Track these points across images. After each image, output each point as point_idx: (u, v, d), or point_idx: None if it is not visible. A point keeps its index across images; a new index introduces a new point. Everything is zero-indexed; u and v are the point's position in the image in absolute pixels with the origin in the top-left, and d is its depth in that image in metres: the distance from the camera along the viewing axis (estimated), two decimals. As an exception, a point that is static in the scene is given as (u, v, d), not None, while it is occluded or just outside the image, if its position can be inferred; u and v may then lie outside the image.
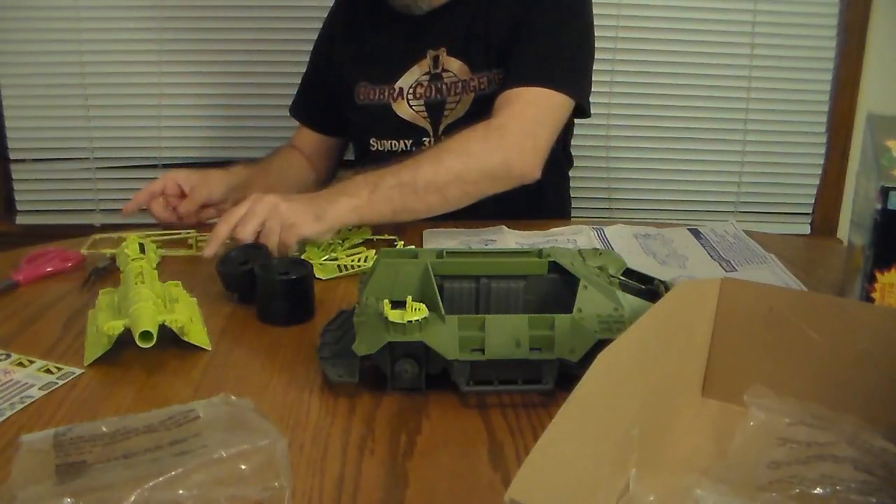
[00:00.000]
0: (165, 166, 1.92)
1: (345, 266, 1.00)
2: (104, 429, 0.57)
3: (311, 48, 1.45)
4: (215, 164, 1.90)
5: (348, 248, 1.07)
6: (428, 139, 1.30)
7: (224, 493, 0.53)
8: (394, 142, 1.32)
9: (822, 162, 1.95)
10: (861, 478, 0.54)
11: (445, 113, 1.29)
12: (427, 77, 1.29)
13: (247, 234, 0.95)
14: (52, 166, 1.93)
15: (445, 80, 1.28)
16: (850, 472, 0.54)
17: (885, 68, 1.89)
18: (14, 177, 1.93)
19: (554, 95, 1.18)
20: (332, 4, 1.44)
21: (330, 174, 1.48)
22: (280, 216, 0.97)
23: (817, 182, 1.97)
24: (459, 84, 1.27)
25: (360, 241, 1.10)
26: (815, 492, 0.52)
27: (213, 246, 0.96)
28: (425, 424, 0.67)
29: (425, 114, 1.30)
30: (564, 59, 1.21)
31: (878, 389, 0.61)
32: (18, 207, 1.96)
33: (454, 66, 1.27)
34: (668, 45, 1.88)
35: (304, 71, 1.47)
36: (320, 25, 1.45)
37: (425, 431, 0.66)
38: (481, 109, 1.23)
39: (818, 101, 1.92)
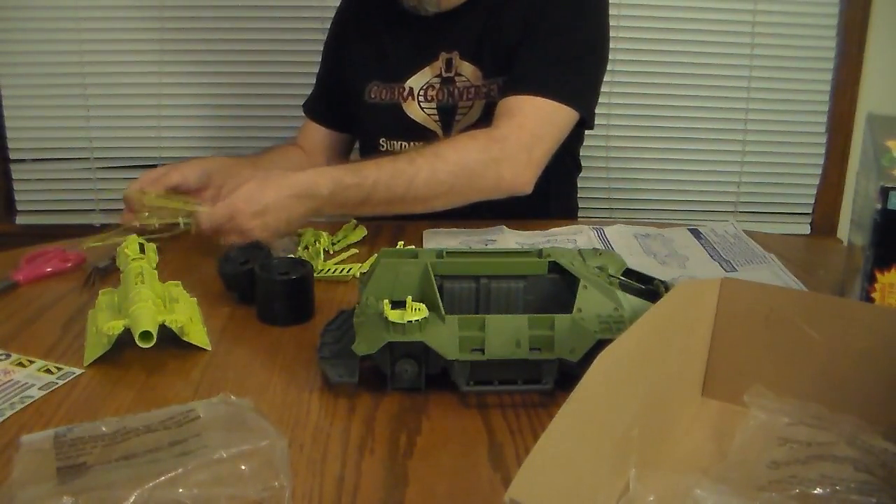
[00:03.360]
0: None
1: (330, 269, 0.99)
2: (104, 429, 0.57)
3: (312, 47, 1.45)
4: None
5: (342, 246, 1.08)
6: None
7: (224, 493, 0.53)
8: (404, 143, 1.29)
9: (822, 162, 1.96)
10: (861, 478, 0.54)
11: (457, 118, 1.27)
12: (438, 80, 1.27)
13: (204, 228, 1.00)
14: (52, 166, 1.93)
15: (458, 84, 1.26)
16: (850, 472, 0.54)
17: (885, 68, 1.89)
18: (14, 177, 1.93)
19: (558, 108, 1.16)
20: (337, 3, 1.43)
21: None
22: (260, 230, 0.99)
23: (817, 182, 1.97)
24: (472, 89, 1.25)
25: (357, 240, 1.11)
26: (815, 492, 0.52)
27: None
28: (425, 424, 0.67)
29: (437, 117, 1.28)
30: (572, 70, 1.18)
31: (878, 389, 0.61)
32: (18, 207, 1.96)
33: (467, 70, 1.26)
34: (668, 45, 1.88)
35: (318, 69, 1.46)
36: (321, 25, 1.44)
37: (425, 431, 0.66)
38: (491, 116, 1.23)
39: (818, 101, 1.92)
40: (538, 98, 1.14)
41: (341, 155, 1.46)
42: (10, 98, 1.88)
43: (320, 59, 1.45)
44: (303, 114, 1.46)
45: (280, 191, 1.01)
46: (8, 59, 1.86)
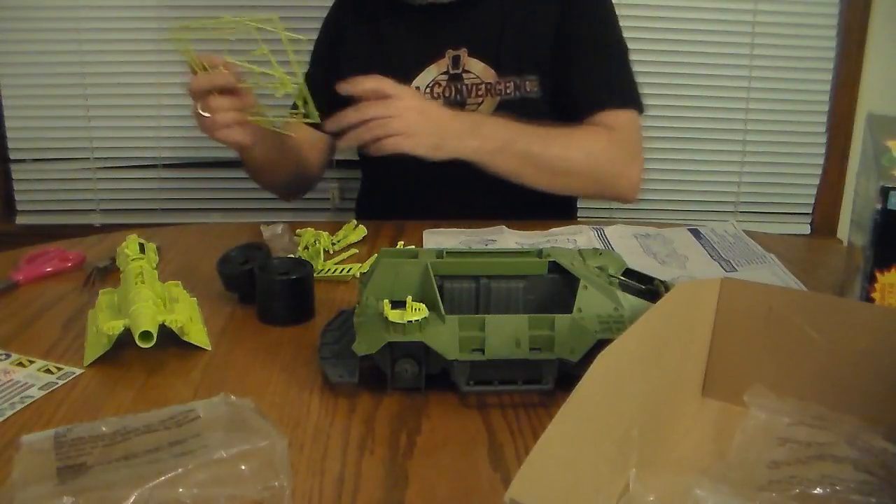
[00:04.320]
0: (166, 166, 1.93)
1: (331, 269, 0.99)
2: (104, 429, 0.57)
3: (312, 48, 1.43)
4: (215, 164, 1.92)
5: (342, 246, 1.08)
6: None
7: (224, 493, 0.53)
8: None
9: (822, 162, 1.96)
10: (861, 478, 0.54)
11: None
12: (445, 77, 1.26)
13: (362, 115, 1.01)
14: (52, 166, 1.93)
15: (466, 80, 1.26)
16: (850, 472, 0.54)
17: (885, 68, 1.89)
18: (14, 177, 1.93)
19: (637, 116, 1.26)
20: (330, 5, 1.41)
21: (322, 169, 1.40)
22: (401, 122, 1.01)
23: (817, 182, 1.97)
24: (483, 86, 1.25)
25: (357, 240, 1.11)
26: (815, 492, 0.53)
27: (335, 123, 1.03)
28: (425, 424, 0.67)
29: None
30: (628, 73, 1.27)
31: (878, 389, 0.61)
32: (18, 207, 1.96)
33: (477, 67, 1.25)
34: (668, 45, 1.88)
35: (306, 71, 1.42)
36: (321, 25, 1.43)
37: (425, 431, 0.66)
38: (506, 115, 1.22)
39: (818, 101, 1.92)
40: (625, 111, 1.23)
41: (329, 153, 1.41)
42: (10, 98, 1.88)
43: (311, 55, 1.40)
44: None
45: (441, 107, 1.09)
46: (8, 59, 1.86)
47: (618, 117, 1.22)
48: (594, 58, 1.24)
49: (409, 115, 1.02)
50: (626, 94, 1.24)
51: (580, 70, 1.23)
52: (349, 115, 1.01)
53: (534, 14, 1.24)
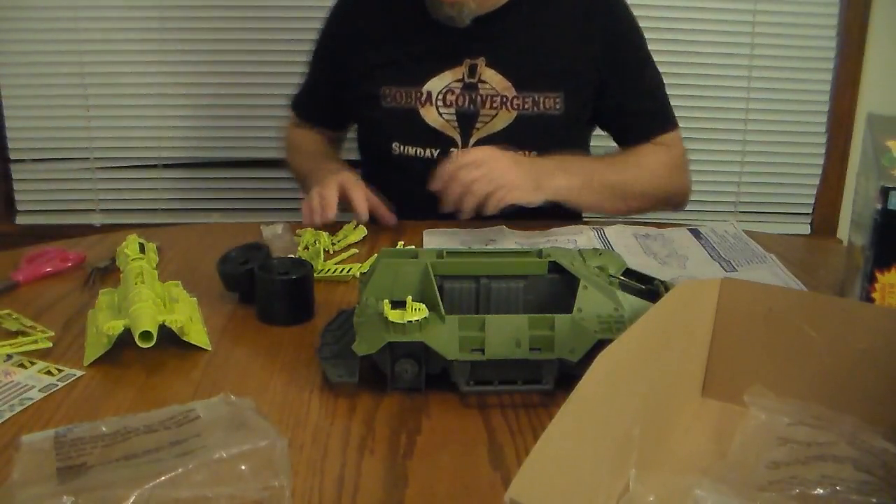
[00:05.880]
0: (166, 166, 1.93)
1: (331, 269, 0.99)
2: (104, 429, 0.57)
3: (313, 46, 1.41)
4: (216, 164, 1.92)
5: (342, 246, 1.08)
6: (456, 149, 1.24)
7: (224, 492, 0.53)
8: (419, 149, 1.25)
9: (822, 162, 1.96)
10: (861, 478, 0.54)
11: (478, 125, 1.24)
12: (460, 85, 1.23)
13: (462, 184, 1.06)
14: (52, 166, 1.93)
15: (481, 91, 1.23)
16: (850, 472, 0.54)
17: (885, 68, 1.89)
18: (14, 177, 1.93)
19: (680, 134, 1.35)
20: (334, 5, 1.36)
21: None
22: (499, 175, 1.07)
23: (817, 182, 1.97)
24: (498, 98, 1.23)
25: (357, 240, 1.11)
26: (815, 492, 0.53)
27: (446, 206, 1.09)
28: (425, 424, 0.67)
29: (455, 123, 1.24)
30: (665, 91, 1.35)
31: (878, 389, 0.61)
32: (18, 207, 1.96)
33: (493, 78, 1.23)
34: (668, 45, 1.88)
35: (309, 70, 1.40)
36: (322, 25, 1.40)
37: (425, 431, 0.66)
38: (522, 129, 1.23)
39: (818, 101, 1.93)
40: (674, 132, 1.33)
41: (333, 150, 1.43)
42: (10, 98, 1.89)
43: (313, 57, 1.38)
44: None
45: (521, 155, 1.16)
46: (8, 59, 1.86)
47: (671, 137, 1.32)
48: (647, 86, 1.31)
49: (503, 169, 1.08)
50: (672, 117, 1.33)
51: (636, 97, 1.30)
52: (453, 188, 1.06)
53: (564, 33, 1.24)
